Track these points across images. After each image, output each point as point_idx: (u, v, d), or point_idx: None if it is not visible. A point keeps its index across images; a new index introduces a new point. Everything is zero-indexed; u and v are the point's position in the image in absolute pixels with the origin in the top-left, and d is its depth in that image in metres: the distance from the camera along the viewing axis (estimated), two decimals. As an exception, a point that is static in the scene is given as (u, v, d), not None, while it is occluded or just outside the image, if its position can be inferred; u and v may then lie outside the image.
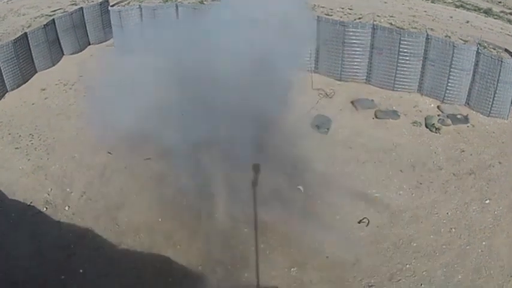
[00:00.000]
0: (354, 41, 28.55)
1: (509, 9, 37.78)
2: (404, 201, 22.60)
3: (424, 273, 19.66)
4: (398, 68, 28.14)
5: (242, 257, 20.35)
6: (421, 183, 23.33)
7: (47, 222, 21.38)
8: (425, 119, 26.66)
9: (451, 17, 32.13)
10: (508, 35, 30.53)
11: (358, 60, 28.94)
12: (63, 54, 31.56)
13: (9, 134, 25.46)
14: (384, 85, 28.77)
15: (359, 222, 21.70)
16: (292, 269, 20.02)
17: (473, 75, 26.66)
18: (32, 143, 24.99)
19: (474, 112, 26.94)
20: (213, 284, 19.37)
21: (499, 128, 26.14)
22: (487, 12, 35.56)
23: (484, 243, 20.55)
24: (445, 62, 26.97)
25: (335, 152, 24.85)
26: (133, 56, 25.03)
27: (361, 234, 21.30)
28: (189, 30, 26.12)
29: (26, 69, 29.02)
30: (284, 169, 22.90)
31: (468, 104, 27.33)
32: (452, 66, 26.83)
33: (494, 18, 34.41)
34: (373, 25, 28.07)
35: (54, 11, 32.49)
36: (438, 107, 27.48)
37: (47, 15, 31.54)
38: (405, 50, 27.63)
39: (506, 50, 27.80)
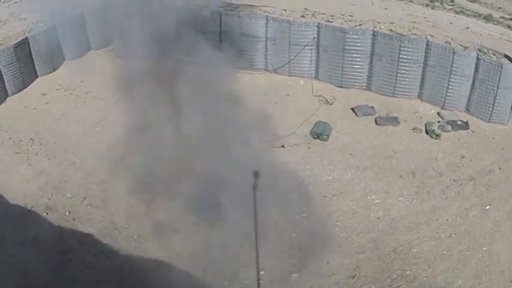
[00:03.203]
0: (354, 48, 28.56)
1: (509, 14, 37.76)
2: (404, 208, 22.66)
3: (424, 279, 19.70)
4: (398, 75, 28.14)
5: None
6: (421, 190, 23.35)
7: (48, 227, 21.39)
8: (425, 125, 26.68)
9: (451, 23, 32.12)
10: (508, 40, 30.50)
11: (359, 66, 28.92)
12: (64, 59, 31.55)
13: (10, 138, 25.43)
14: (384, 91, 28.78)
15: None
16: (293, 275, 20.06)
17: (473, 81, 26.68)
18: (33, 148, 24.99)
19: (474, 118, 26.92)
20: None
21: (499, 133, 26.14)
22: (487, 18, 35.56)
23: (484, 248, 20.58)
24: (445, 68, 26.99)
25: (335, 158, 24.90)
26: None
27: (361, 240, 21.34)
28: None
29: (27, 74, 28.96)
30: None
31: (468, 110, 27.34)
32: (453, 72, 26.85)
33: (494, 24, 34.40)
34: (374, 31, 28.10)
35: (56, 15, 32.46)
36: (438, 113, 27.50)
37: (48, 20, 31.52)
38: (405, 56, 27.65)
39: (506, 56, 27.77)
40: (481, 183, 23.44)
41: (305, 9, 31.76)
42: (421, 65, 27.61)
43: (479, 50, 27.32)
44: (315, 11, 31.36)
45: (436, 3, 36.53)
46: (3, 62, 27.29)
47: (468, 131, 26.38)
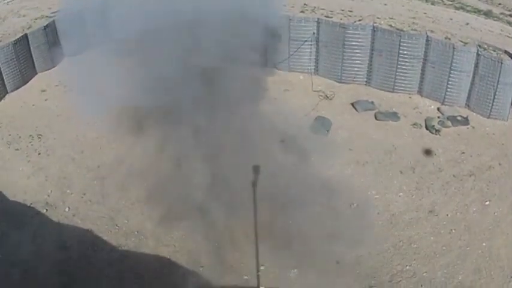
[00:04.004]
0: (354, 43, 28.54)
1: (509, 10, 37.74)
2: (404, 203, 22.64)
3: (424, 274, 19.69)
4: (398, 70, 28.13)
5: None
6: (421, 185, 23.34)
7: (47, 224, 21.39)
8: (425, 120, 26.69)
9: (451, 19, 32.06)
10: (508, 36, 30.45)
11: (358, 62, 28.91)
12: (63, 56, 31.53)
13: (10, 135, 25.44)
14: (384, 87, 28.77)
15: None
16: (292, 271, 20.04)
17: (473, 77, 26.65)
18: (32, 145, 24.99)
19: (474, 114, 26.94)
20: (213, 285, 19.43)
21: (499, 129, 26.14)
22: (487, 14, 35.53)
23: (484, 244, 20.58)
24: (445, 64, 26.97)
25: (335, 153, 24.85)
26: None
27: (361, 236, 21.30)
28: None
29: (26, 71, 28.96)
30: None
31: (468, 105, 27.34)
32: (452, 68, 26.83)
33: (494, 20, 34.36)
34: (373, 27, 28.06)
35: (55, 12, 32.42)
36: (438, 108, 27.50)
37: (47, 16, 31.45)
38: (405, 52, 27.62)
39: (506, 52, 27.74)
40: (481, 178, 23.45)
41: (304, 4, 31.73)
42: (421, 60, 27.59)
43: (479, 46, 27.28)
44: (315, 6, 31.34)
45: (436, -1, 36.50)
46: (2, 59, 27.28)
47: (468, 126, 26.39)
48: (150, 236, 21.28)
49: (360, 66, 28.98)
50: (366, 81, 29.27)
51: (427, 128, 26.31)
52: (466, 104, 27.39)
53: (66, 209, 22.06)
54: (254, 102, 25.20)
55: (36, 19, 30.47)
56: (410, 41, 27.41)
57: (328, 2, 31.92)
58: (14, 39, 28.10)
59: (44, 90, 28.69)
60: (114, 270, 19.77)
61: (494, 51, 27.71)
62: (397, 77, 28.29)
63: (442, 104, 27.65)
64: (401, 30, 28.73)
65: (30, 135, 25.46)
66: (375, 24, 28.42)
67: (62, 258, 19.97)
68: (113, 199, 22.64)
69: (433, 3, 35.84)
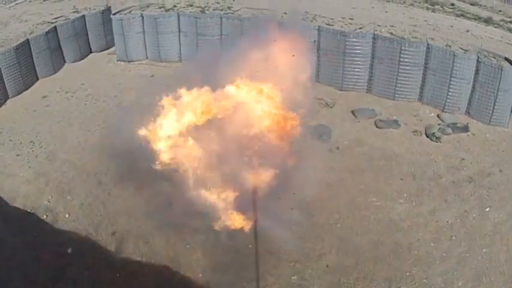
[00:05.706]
0: (355, 51, 28.67)
1: (510, 18, 37.90)
2: (404, 210, 22.62)
3: (424, 280, 19.66)
4: (398, 78, 28.24)
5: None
6: (421, 192, 23.34)
7: (47, 229, 21.39)
8: (425, 128, 26.73)
9: (452, 26, 32.24)
10: (508, 43, 30.63)
11: (359, 69, 29.03)
12: (64, 62, 31.68)
13: (11, 140, 25.51)
14: (385, 94, 28.85)
15: None
16: (292, 277, 20.04)
17: (474, 84, 26.76)
18: (33, 150, 25.04)
19: (474, 121, 27.04)
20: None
21: (499, 136, 26.21)
22: (487, 21, 35.70)
23: (484, 250, 20.56)
24: (445, 71, 27.08)
25: (335, 161, 24.88)
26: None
27: (361, 242, 21.31)
28: None
29: (28, 76, 29.15)
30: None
31: (468, 112, 27.41)
32: (453, 75, 26.94)
33: (495, 27, 34.56)
34: (374, 35, 28.19)
35: (56, 18, 32.67)
36: (438, 115, 27.56)
37: (49, 22, 31.69)
38: (406, 60, 27.73)
39: (506, 59, 27.91)
40: (481, 185, 23.47)
41: (305, 12, 31.84)
42: (422, 68, 27.74)
43: (480, 53, 27.38)
44: (316, 14, 31.45)
45: (437, 7, 36.66)
46: (4, 64, 27.45)
47: (468, 133, 26.45)
48: (150, 242, 21.26)
49: (360, 73, 29.07)
50: (367, 89, 29.35)
51: (427, 136, 26.34)
52: (466, 111, 27.48)
53: (67, 215, 22.06)
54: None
55: (38, 25, 30.62)
56: (411, 49, 27.54)
57: (329, 10, 32.04)
58: (15, 44, 28.33)
59: (45, 96, 28.82)
60: (115, 276, 19.75)
61: (495, 58, 27.83)
62: (397, 84, 28.40)
63: (443, 111, 27.73)
64: (402, 37, 28.89)
65: (31, 141, 25.52)
66: (375, 32, 28.56)
67: (62, 265, 19.96)
68: (114, 205, 22.63)
69: (433, 11, 36.05)
